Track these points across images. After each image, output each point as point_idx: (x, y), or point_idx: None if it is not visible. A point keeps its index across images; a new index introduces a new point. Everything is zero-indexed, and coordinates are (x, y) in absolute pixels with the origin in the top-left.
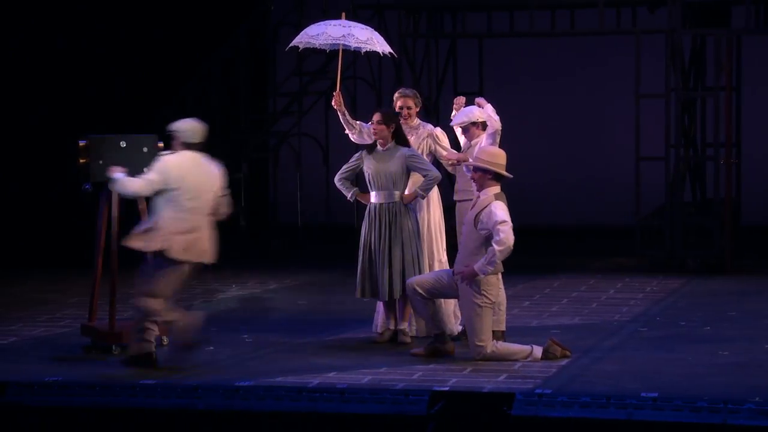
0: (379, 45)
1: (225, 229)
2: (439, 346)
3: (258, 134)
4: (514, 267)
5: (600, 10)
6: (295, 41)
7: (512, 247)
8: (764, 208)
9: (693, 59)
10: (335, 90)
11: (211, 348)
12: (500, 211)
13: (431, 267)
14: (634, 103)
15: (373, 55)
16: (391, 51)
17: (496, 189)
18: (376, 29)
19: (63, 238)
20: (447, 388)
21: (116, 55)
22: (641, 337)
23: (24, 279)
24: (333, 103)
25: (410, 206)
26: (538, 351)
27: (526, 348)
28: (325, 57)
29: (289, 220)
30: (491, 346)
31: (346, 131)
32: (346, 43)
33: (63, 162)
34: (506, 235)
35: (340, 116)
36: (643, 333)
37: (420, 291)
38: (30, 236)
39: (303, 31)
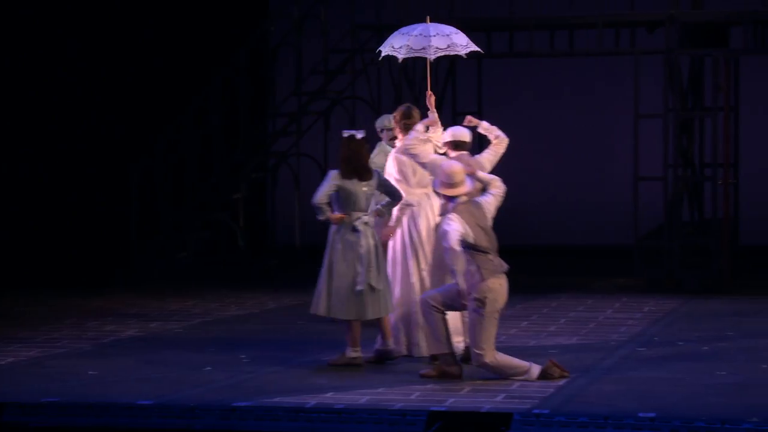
0: (462, 48)
1: (223, 249)
2: (445, 368)
3: (257, 155)
4: (512, 287)
5: (599, 30)
6: (381, 48)
7: (455, 247)
8: (762, 228)
9: (691, 79)
10: (428, 90)
11: (209, 368)
12: (446, 221)
13: (404, 284)
14: (632, 123)
15: (372, 75)
16: (477, 48)
17: (458, 200)
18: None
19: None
20: (445, 408)
21: (117, 76)
22: (639, 357)
23: (29, 298)
24: (428, 104)
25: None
26: (535, 370)
27: (525, 364)
28: (323, 78)
29: (288, 241)
30: (491, 355)
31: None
32: (426, 55)
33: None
34: (448, 241)
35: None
36: (641, 353)
37: (434, 304)
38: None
39: (388, 40)
